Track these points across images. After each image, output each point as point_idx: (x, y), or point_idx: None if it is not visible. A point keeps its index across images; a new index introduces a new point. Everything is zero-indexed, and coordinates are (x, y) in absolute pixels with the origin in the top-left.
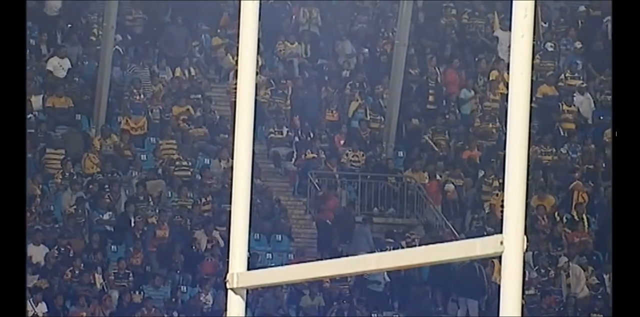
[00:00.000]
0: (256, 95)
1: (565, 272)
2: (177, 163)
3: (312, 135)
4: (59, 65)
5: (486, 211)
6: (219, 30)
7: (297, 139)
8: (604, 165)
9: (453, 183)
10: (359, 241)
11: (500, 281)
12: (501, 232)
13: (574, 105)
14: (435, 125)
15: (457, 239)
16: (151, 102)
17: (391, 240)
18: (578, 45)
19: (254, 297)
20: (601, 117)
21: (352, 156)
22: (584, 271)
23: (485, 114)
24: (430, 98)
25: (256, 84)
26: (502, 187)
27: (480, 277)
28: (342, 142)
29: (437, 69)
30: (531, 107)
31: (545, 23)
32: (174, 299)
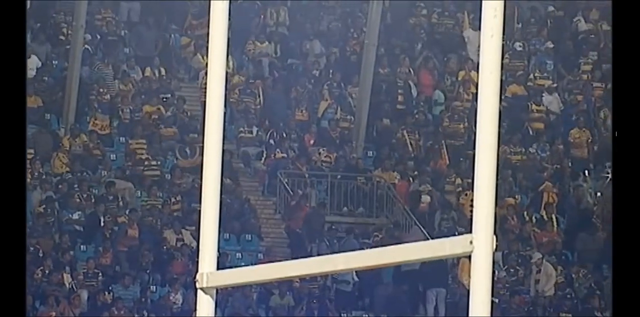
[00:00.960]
0: (226, 95)
1: (535, 271)
2: (147, 163)
3: (281, 134)
4: (28, 65)
5: (456, 211)
6: (188, 30)
7: (266, 138)
8: (570, 165)
9: (422, 183)
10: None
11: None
12: (471, 232)
13: (543, 105)
14: (405, 125)
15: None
16: (121, 101)
17: (361, 240)
18: (549, 45)
19: (223, 296)
20: (575, 116)
21: (322, 156)
22: (554, 270)
23: (454, 114)
24: (400, 98)
25: (226, 84)
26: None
27: (447, 274)
28: (311, 141)
29: (406, 68)
30: (500, 107)
31: (518, 23)
32: (143, 299)
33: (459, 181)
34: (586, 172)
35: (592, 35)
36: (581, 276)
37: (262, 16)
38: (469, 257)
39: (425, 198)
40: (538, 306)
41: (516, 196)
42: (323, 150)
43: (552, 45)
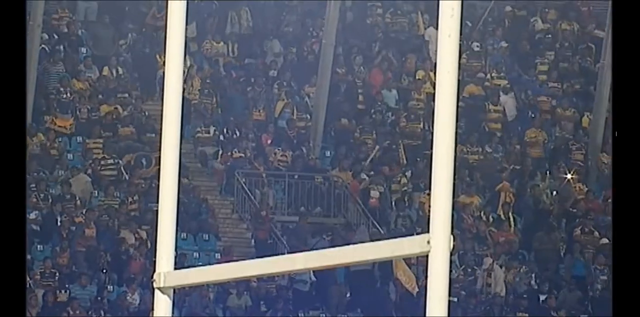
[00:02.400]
0: (183, 94)
1: (490, 271)
2: (104, 162)
3: (239, 134)
4: None
5: (413, 211)
6: (144, 30)
7: (224, 138)
8: (527, 164)
9: (379, 183)
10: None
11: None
12: (428, 231)
13: (500, 105)
14: (363, 125)
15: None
16: (78, 101)
17: (318, 239)
18: (505, 45)
19: (180, 296)
20: (532, 116)
21: (279, 155)
22: (511, 270)
23: (411, 114)
24: (357, 98)
25: (183, 84)
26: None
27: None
28: (269, 141)
29: (364, 68)
30: (458, 107)
31: (476, 23)
32: (100, 299)
33: (416, 180)
34: (543, 172)
35: (549, 35)
36: (538, 275)
37: (219, 16)
38: (427, 256)
39: (382, 197)
40: (495, 305)
41: (473, 196)
42: (280, 150)
43: (509, 45)
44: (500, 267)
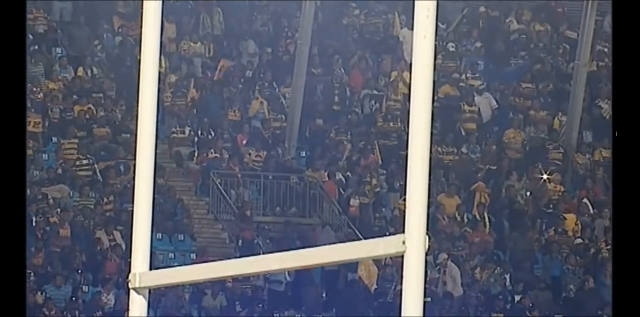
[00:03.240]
0: (159, 95)
1: (442, 272)
2: (79, 163)
3: (214, 134)
4: None
5: (388, 211)
6: (120, 30)
7: (199, 138)
8: (502, 165)
9: (355, 183)
10: None
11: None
12: (403, 232)
13: (475, 106)
14: (338, 125)
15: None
16: (52, 101)
17: (293, 239)
18: (478, 44)
19: (155, 297)
20: (506, 117)
21: (254, 156)
22: (486, 270)
23: (387, 114)
24: (333, 98)
25: (159, 84)
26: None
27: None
28: (244, 141)
29: (339, 68)
30: (433, 107)
31: (451, 24)
32: (75, 299)
33: (391, 181)
34: (518, 172)
35: (524, 36)
36: (512, 275)
37: (196, 16)
38: (402, 257)
39: (357, 198)
40: (470, 305)
41: (448, 196)
42: (255, 150)
43: (483, 46)
44: (475, 267)
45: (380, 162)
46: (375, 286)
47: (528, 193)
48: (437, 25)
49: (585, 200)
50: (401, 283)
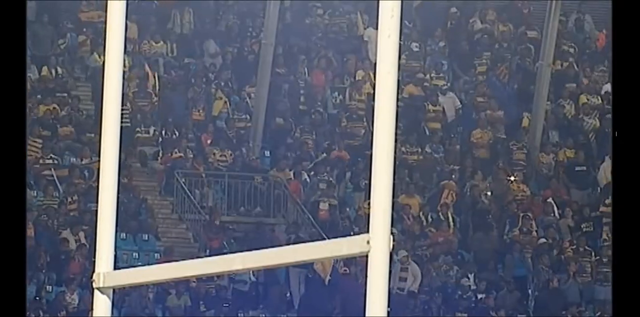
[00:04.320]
0: (123, 94)
1: (400, 269)
2: (42, 162)
3: (178, 134)
4: None
5: (353, 211)
6: (84, 29)
7: (163, 138)
8: (466, 164)
9: (319, 183)
10: None
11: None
12: (368, 231)
13: (439, 105)
14: (303, 125)
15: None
16: None
17: (258, 239)
18: (441, 44)
19: (120, 296)
20: (473, 116)
21: (219, 155)
22: (450, 270)
23: (351, 114)
24: (297, 98)
25: (123, 83)
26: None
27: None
28: (208, 141)
29: (304, 68)
30: (397, 107)
31: (415, 23)
32: (38, 299)
33: (355, 180)
34: (482, 172)
35: (487, 36)
36: (477, 275)
37: (159, 15)
38: (367, 256)
39: (322, 198)
40: (434, 305)
41: (413, 196)
42: (220, 150)
43: (447, 46)
44: (439, 267)
45: (344, 162)
46: (329, 278)
47: (493, 193)
48: (401, 24)
49: (549, 200)
50: (366, 283)
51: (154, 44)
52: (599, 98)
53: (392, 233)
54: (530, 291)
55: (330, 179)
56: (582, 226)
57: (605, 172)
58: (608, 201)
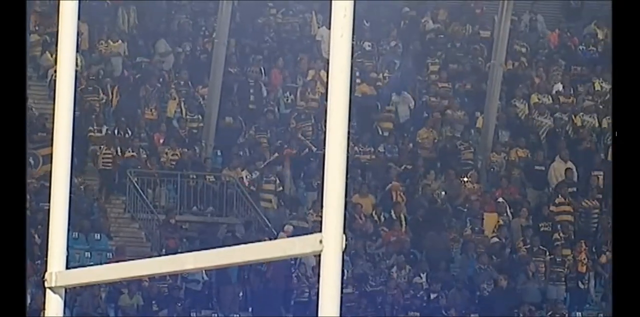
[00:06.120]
0: (75, 93)
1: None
2: None
3: (131, 133)
4: None
5: (305, 210)
6: (36, 28)
7: (116, 137)
8: (418, 164)
9: (272, 182)
10: None
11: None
12: (320, 231)
13: (392, 105)
14: (255, 124)
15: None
16: None
17: (210, 239)
18: (394, 43)
19: (71, 296)
20: (423, 116)
21: (171, 155)
22: (402, 269)
23: (304, 113)
24: (250, 97)
25: (75, 83)
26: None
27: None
28: (161, 140)
29: (256, 68)
30: (350, 106)
31: (368, 23)
32: None
33: (308, 180)
34: (434, 171)
35: (440, 36)
36: (429, 274)
37: (113, 15)
38: (319, 256)
39: (275, 197)
40: (386, 304)
41: (365, 196)
42: (172, 149)
43: (400, 45)
44: (392, 266)
45: (297, 161)
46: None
47: (445, 192)
48: (354, 24)
49: (501, 199)
50: (318, 282)
51: (109, 43)
52: (550, 98)
53: (344, 233)
54: (482, 291)
55: (283, 178)
56: (535, 226)
57: (555, 171)
58: (558, 200)
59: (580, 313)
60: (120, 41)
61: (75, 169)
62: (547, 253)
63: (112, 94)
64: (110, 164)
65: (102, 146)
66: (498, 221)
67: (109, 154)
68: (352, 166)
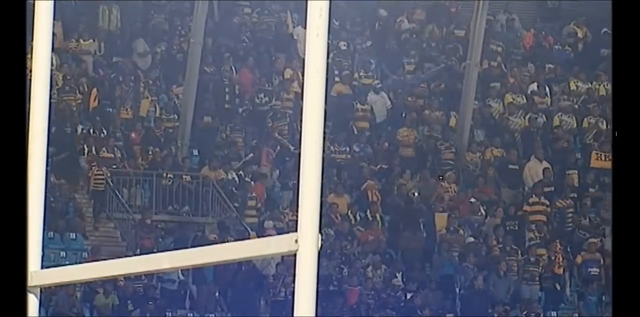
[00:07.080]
0: (51, 93)
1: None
2: None
3: (106, 133)
4: None
5: (281, 210)
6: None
7: (91, 137)
8: (394, 164)
9: (249, 181)
10: None
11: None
12: (296, 230)
13: (368, 104)
14: (231, 123)
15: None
16: None
17: (186, 239)
18: (369, 43)
19: (47, 295)
20: (399, 116)
21: (147, 154)
22: (378, 268)
23: (280, 113)
24: (225, 97)
25: (50, 82)
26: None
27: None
28: (137, 140)
29: (232, 67)
30: (325, 106)
31: (344, 22)
32: None
33: (284, 180)
34: (410, 171)
35: (415, 35)
36: (405, 274)
37: (88, 14)
38: (295, 255)
39: (251, 197)
40: (362, 304)
41: (341, 195)
42: (148, 149)
43: (376, 45)
44: (367, 266)
45: (273, 160)
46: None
47: (421, 192)
48: (330, 23)
49: (476, 199)
50: (294, 281)
51: (82, 42)
52: (525, 97)
53: (320, 232)
54: (457, 290)
55: (259, 177)
56: (509, 225)
57: (530, 171)
58: (532, 199)
59: (555, 313)
60: (96, 40)
61: (51, 169)
62: (520, 253)
63: (87, 93)
64: (85, 164)
65: (77, 145)
66: (473, 221)
67: (84, 153)
68: (327, 166)
